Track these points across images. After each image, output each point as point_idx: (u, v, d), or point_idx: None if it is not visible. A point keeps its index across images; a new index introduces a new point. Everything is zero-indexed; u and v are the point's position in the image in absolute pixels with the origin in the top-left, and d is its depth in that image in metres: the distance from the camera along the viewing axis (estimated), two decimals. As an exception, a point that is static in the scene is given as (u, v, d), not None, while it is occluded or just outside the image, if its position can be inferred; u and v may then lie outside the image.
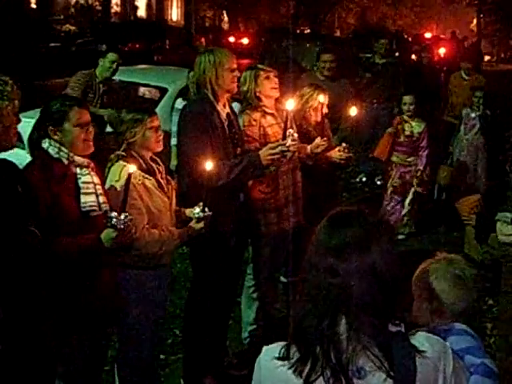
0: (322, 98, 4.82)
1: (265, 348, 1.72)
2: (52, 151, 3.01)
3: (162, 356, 4.37)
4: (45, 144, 3.03)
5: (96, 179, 3.13)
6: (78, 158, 3.06)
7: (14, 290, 2.59)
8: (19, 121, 2.76)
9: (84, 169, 3.07)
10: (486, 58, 34.12)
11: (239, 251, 4.26)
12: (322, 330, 1.57)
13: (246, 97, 4.33)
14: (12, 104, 2.67)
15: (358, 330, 1.57)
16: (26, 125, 3.10)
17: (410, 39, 28.10)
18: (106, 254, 3.10)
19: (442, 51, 12.66)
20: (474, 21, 42.46)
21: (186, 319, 4.22)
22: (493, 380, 2.20)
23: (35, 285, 2.74)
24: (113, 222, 2.96)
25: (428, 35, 27.67)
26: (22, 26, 19.67)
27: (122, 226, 2.97)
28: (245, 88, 4.30)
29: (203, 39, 25.48)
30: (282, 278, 5.41)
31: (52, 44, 20.40)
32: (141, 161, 3.42)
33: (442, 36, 32.95)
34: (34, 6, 28.17)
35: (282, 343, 1.67)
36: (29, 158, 3.19)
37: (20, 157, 3.27)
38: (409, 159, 6.72)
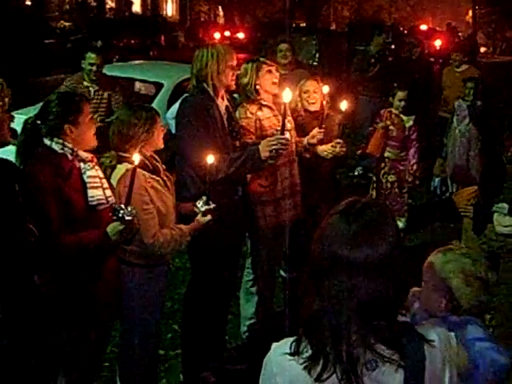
0: (326, 89, 4.79)
1: (274, 344, 1.70)
2: (56, 147, 3.00)
3: (161, 351, 4.36)
4: (47, 141, 3.01)
5: (100, 173, 3.13)
6: (81, 153, 3.06)
7: (13, 286, 2.59)
8: (11, 118, 2.75)
9: (88, 163, 3.07)
10: (482, 49, 34.10)
11: (238, 245, 4.26)
12: (337, 328, 1.56)
13: (245, 89, 4.30)
14: (2, 102, 2.67)
15: (368, 321, 1.56)
16: (21, 122, 3.09)
17: (405, 32, 28.05)
18: (110, 248, 3.10)
19: (437, 43, 12.64)
20: (470, 12, 42.41)
21: (185, 314, 4.22)
22: (497, 352, 2.20)
23: (33, 281, 2.75)
24: (120, 214, 2.96)
25: (424, 27, 27.59)
26: (17, 22, 19.61)
27: (130, 218, 2.98)
28: (245, 80, 4.27)
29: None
30: (283, 273, 5.42)
31: (47, 40, 20.33)
32: (146, 161, 3.40)
33: (437, 28, 32.90)
34: (28, 2, 28.07)
35: (291, 339, 1.65)
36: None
37: (13, 153, 3.25)
38: (401, 154, 6.67)
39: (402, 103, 6.53)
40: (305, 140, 4.59)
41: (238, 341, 4.70)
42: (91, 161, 3.10)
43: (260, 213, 4.31)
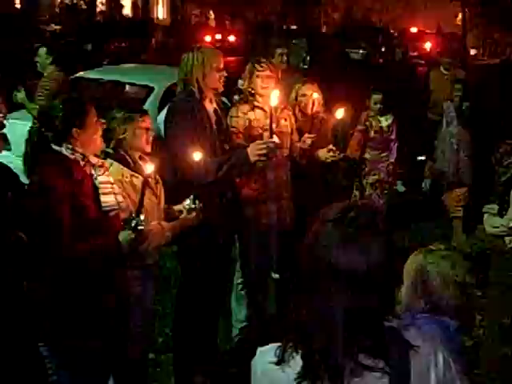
0: (316, 95, 4.82)
1: (259, 350, 1.69)
2: (67, 152, 2.94)
3: (152, 355, 4.35)
4: (56, 147, 2.96)
5: (111, 178, 3.10)
6: (92, 158, 3.02)
7: (1, 293, 2.58)
8: (2, 126, 2.73)
9: (98, 168, 3.04)
10: (472, 51, 34.23)
11: (227, 248, 4.26)
12: (325, 340, 1.55)
13: (242, 90, 4.45)
14: None
15: (355, 333, 1.55)
16: (11, 127, 3.08)
17: (395, 34, 28.17)
18: (120, 257, 3.06)
19: (427, 46, 12.70)
20: (460, 15, 42.57)
21: (176, 318, 4.22)
22: (439, 328, 2.20)
23: (22, 287, 2.73)
24: (133, 224, 2.94)
25: (413, 30, 27.72)
26: (7, 25, 19.53)
27: (142, 227, 2.97)
28: (242, 82, 4.44)
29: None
30: (274, 275, 5.41)
31: (37, 44, 20.26)
32: (129, 159, 3.42)
33: (427, 31, 33.03)
34: (18, 5, 27.97)
35: (276, 345, 1.64)
36: (16, 160, 3.16)
37: (4, 158, 3.24)
38: (381, 155, 6.70)
39: (378, 106, 6.61)
40: (297, 145, 4.59)
41: (229, 344, 4.69)
42: (101, 166, 3.07)
43: (249, 215, 4.31)
